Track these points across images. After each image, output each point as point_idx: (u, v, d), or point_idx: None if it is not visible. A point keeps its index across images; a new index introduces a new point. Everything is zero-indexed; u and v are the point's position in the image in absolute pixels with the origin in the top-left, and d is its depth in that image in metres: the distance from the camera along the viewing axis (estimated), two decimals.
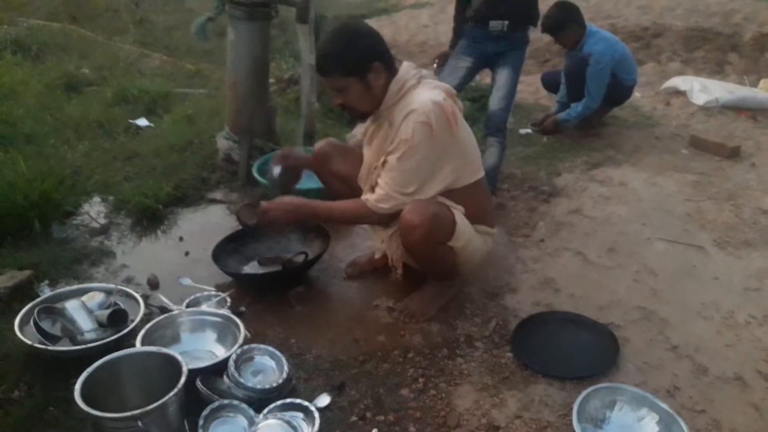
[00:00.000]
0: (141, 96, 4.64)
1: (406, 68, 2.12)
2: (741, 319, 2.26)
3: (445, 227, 2.06)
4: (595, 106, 3.99)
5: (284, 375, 1.84)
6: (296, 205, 2.19)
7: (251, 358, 1.89)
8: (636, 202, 3.17)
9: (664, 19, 6.78)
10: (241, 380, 1.76)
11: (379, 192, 2.08)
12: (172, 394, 1.53)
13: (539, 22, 3.51)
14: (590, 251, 2.70)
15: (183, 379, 1.58)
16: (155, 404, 1.49)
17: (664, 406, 1.73)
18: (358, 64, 2.01)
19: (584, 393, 1.75)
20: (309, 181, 3.16)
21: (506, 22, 3.28)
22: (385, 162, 2.08)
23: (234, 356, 1.84)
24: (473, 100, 4.40)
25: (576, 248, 2.73)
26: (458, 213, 2.11)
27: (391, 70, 2.08)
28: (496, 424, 1.79)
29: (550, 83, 4.50)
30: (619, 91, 4.06)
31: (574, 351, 2.08)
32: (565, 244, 2.78)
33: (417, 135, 1.98)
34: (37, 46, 5.68)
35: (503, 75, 3.31)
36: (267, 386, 1.79)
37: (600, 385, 1.80)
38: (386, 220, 2.16)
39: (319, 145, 2.45)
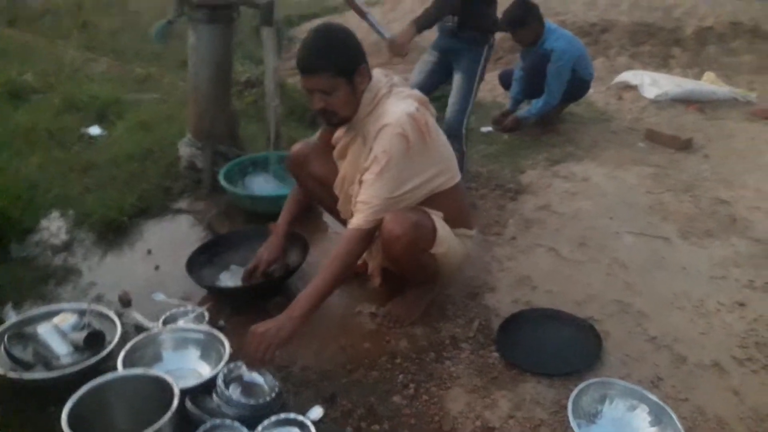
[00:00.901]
0: (91, 103, 4.48)
1: (377, 76, 2.08)
2: (711, 307, 2.34)
3: (426, 235, 2.04)
4: (555, 102, 4.07)
5: (275, 390, 1.81)
6: (282, 320, 1.84)
7: (240, 375, 1.84)
8: (600, 197, 3.24)
9: (609, 15, 6.98)
10: (233, 398, 1.72)
11: (367, 208, 1.98)
12: (166, 418, 1.48)
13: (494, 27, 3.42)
14: (562, 247, 2.75)
15: (176, 402, 1.53)
16: (150, 429, 1.44)
17: (653, 397, 1.77)
18: (349, 64, 1.95)
19: (577, 389, 1.78)
20: (279, 187, 3.14)
21: (456, 18, 3.24)
22: (361, 180, 2.02)
23: (222, 373, 1.79)
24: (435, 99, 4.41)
25: (548, 244, 2.78)
26: (438, 219, 2.10)
27: (369, 74, 2.06)
28: (491, 425, 1.80)
29: (508, 81, 4.57)
30: (578, 86, 4.16)
31: (558, 347, 2.11)
32: (536, 240, 2.82)
33: (394, 147, 1.94)
34: None
35: (457, 79, 3.29)
36: (259, 402, 1.75)
37: (591, 381, 1.83)
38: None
39: (297, 146, 2.39)
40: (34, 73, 5.27)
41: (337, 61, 1.93)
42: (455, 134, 3.19)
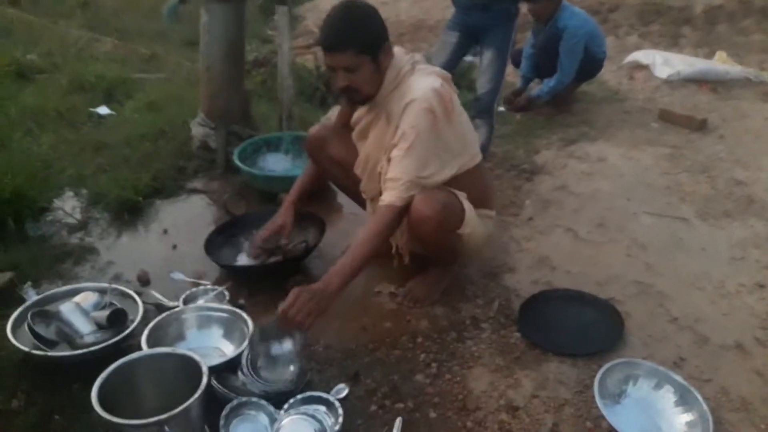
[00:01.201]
0: (98, 83, 4.46)
1: (399, 54, 2.05)
2: (732, 288, 2.33)
3: (455, 216, 2.03)
4: (568, 81, 4.03)
5: (300, 368, 1.81)
6: (321, 290, 1.81)
7: (264, 351, 1.84)
8: (617, 177, 3.22)
9: None
10: (260, 376, 1.72)
11: (398, 185, 1.95)
12: (197, 395, 1.47)
13: None
14: (580, 227, 2.74)
15: (205, 380, 1.52)
16: (181, 407, 1.43)
17: (678, 378, 1.77)
18: (374, 41, 1.93)
19: (602, 369, 1.78)
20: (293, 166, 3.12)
21: None
22: (390, 158, 1.99)
23: (247, 352, 1.79)
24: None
25: (566, 225, 2.76)
26: (464, 200, 2.09)
27: (392, 53, 2.03)
28: (515, 404, 1.79)
29: (518, 59, 4.51)
30: (591, 65, 4.11)
31: (580, 328, 2.11)
32: (554, 221, 2.80)
33: (421, 122, 1.92)
34: None
35: (488, 56, 3.26)
36: (284, 380, 1.75)
37: (616, 361, 1.82)
38: None
39: (315, 129, 2.37)
40: (38, 53, 5.24)
41: (362, 38, 1.90)
42: (488, 109, 3.20)
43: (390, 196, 1.96)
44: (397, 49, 2.08)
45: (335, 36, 1.90)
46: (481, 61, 3.32)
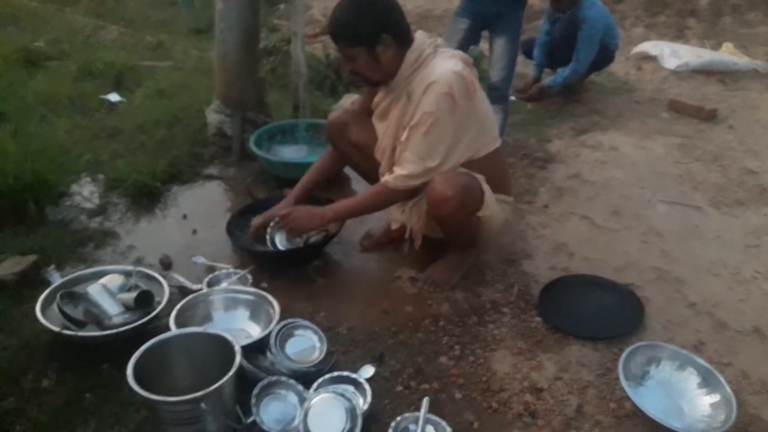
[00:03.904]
0: (107, 70, 4.46)
1: (421, 37, 2.07)
2: (747, 274, 2.36)
3: (475, 197, 2.06)
4: (583, 71, 4.05)
5: (326, 349, 1.83)
6: (320, 212, 2.19)
7: (291, 334, 1.87)
8: (631, 166, 3.24)
9: None
10: (287, 357, 1.74)
11: (404, 168, 2.04)
12: (231, 373, 1.49)
13: None
14: (596, 215, 2.76)
15: (238, 359, 1.54)
16: (216, 385, 1.45)
17: (700, 360, 1.79)
18: (367, 34, 1.96)
19: (626, 352, 1.80)
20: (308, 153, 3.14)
21: None
22: (407, 137, 2.04)
23: (275, 332, 1.81)
24: None
25: (581, 212, 2.78)
26: (483, 182, 2.11)
27: (405, 40, 2.03)
28: (539, 386, 1.82)
29: (530, 49, 4.52)
30: (604, 56, 4.12)
31: (600, 312, 2.13)
32: (569, 208, 2.82)
33: (440, 107, 1.95)
34: None
35: (501, 43, 3.27)
36: (312, 361, 1.78)
37: (639, 344, 1.85)
38: (408, 196, 2.15)
39: (335, 114, 2.39)
40: (46, 41, 5.22)
41: (355, 32, 1.96)
42: (502, 95, 3.22)
43: (393, 178, 2.06)
44: (419, 33, 2.10)
45: (332, 27, 2.01)
46: (494, 50, 3.33)
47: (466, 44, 3.40)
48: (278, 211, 2.29)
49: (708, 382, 1.75)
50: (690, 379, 1.77)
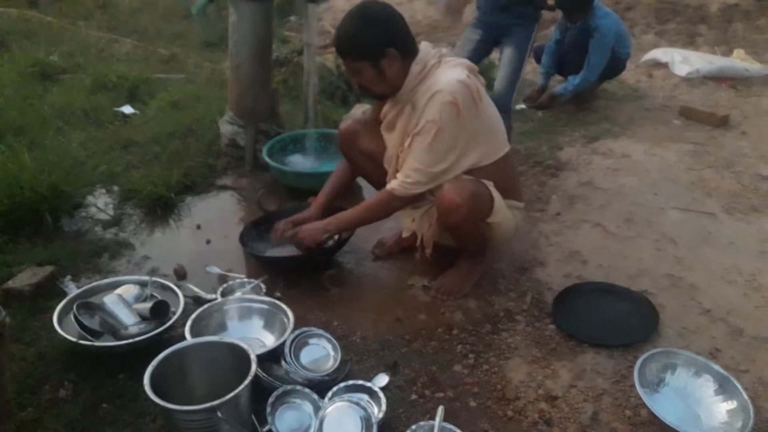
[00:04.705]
0: (120, 83, 4.50)
1: (425, 48, 2.09)
2: (764, 281, 2.34)
3: (484, 204, 2.07)
4: (593, 79, 4.05)
5: (340, 358, 1.84)
6: (324, 225, 2.22)
7: (306, 343, 1.87)
8: (643, 173, 3.23)
9: None
10: (301, 366, 1.75)
11: (408, 175, 2.05)
12: (247, 381, 1.50)
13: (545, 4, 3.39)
14: (608, 222, 2.75)
15: (254, 368, 1.55)
16: (232, 393, 1.46)
17: (716, 367, 1.78)
18: (372, 49, 1.98)
19: (641, 358, 1.79)
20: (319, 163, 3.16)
21: None
22: (410, 144, 2.05)
23: (289, 341, 1.82)
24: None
25: (594, 220, 2.78)
26: (493, 188, 2.12)
27: (410, 52, 2.04)
28: (554, 394, 1.82)
29: (540, 56, 4.51)
30: (615, 64, 4.12)
31: (614, 319, 2.12)
32: (582, 216, 2.82)
33: (444, 115, 1.96)
34: None
35: (507, 53, 3.29)
36: (326, 369, 1.78)
37: (654, 351, 1.84)
38: (413, 201, 2.16)
39: (346, 124, 2.41)
40: (60, 54, 5.30)
41: (360, 46, 1.99)
42: (505, 108, 3.18)
43: (397, 184, 2.07)
44: (423, 44, 2.12)
45: (337, 42, 2.03)
46: (502, 59, 3.35)
47: (476, 55, 3.42)
48: (302, 217, 2.38)
49: (725, 389, 1.73)
50: (706, 385, 1.76)
